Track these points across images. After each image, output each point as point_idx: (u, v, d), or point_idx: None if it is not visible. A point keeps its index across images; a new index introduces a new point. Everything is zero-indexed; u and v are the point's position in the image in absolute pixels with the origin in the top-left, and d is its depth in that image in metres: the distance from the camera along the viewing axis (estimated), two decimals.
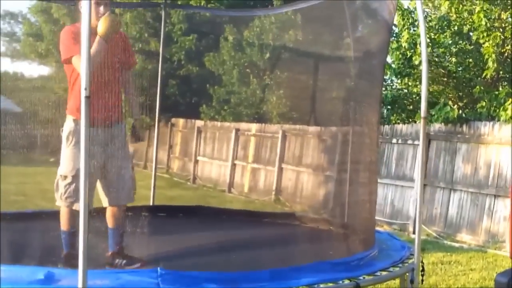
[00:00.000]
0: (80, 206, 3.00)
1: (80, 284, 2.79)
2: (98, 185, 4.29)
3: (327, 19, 7.74)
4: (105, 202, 4.31)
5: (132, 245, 4.33)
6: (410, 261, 4.39)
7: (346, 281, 3.61)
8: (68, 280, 3.00)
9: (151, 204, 6.71)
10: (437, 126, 10.17)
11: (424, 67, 4.22)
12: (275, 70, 14.49)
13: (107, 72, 4.14)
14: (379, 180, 10.97)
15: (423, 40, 4.31)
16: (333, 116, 8.67)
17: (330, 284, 3.53)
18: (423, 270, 4.60)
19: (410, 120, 11.59)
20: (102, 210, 4.59)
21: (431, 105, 10.08)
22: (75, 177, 4.02)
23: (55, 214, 5.28)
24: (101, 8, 4.16)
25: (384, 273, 4.04)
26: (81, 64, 3.03)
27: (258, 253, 4.65)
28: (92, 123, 3.98)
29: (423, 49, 4.29)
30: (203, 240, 4.98)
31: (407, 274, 4.28)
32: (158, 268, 3.20)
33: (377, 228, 9.53)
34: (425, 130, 4.20)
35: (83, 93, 2.98)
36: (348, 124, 5.83)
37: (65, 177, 4.16)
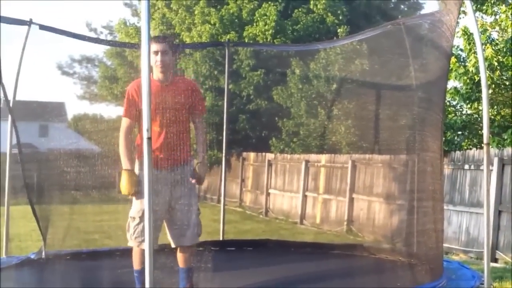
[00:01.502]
0: (145, 246, 3.18)
1: None
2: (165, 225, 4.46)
3: (389, 48, 7.74)
4: (172, 242, 4.47)
5: (200, 280, 4.43)
6: None
7: None
8: None
9: (220, 238, 6.81)
10: (510, 150, 9.88)
11: (484, 93, 4.18)
12: (342, 100, 14.50)
13: (173, 117, 4.33)
14: (453, 208, 10.74)
15: (481, 64, 4.27)
16: (398, 145, 8.59)
17: None
18: None
19: (483, 145, 11.30)
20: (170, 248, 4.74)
21: (503, 128, 9.83)
22: (142, 217, 4.19)
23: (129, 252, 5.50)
24: (158, 57, 4.31)
25: None
26: (143, 107, 3.20)
27: (326, 286, 4.65)
28: (157, 165, 4.19)
29: (482, 74, 4.25)
30: (271, 274, 5.02)
31: None
32: None
33: (453, 257, 9.33)
34: (489, 156, 4.14)
35: (145, 134, 3.14)
36: (412, 152, 5.78)
37: (134, 218, 4.38)
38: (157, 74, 4.38)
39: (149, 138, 3.15)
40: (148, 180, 3.16)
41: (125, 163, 4.34)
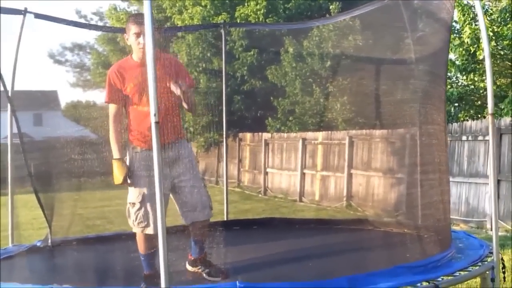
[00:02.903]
0: (159, 230, 3.15)
1: None
2: (175, 204, 4.39)
3: (385, 23, 7.71)
4: (184, 221, 4.41)
5: (211, 257, 4.45)
6: (490, 259, 4.31)
7: (425, 284, 3.59)
8: None
9: (225, 219, 6.83)
10: (507, 120, 9.93)
11: (487, 63, 4.18)
12: (337, 77, 14.48)
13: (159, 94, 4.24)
14: (452, 179, 10.79)
15: (484, 35, 4.27)
16: (399, 119, 8.60)
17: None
18: (504, 267, 4.52)
19: (479, 115, 11.36)
20: (177, 228, 4.75)
21: (499, 99, 9.87)
22: (143, 202, 4.20)
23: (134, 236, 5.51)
24: (140, 39, 4.18)
25: (463, 273, 3.99)
26: (150, 93, 3.14)
27: (334, 261, 4.68)
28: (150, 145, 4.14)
29: (485, 44, 4.25)
30: (277, 251, 5.04)
31: (487, 272, 4.21)
32: (237, 282, 3.26)
33: (453, 228, 9.39)
34: (494, 127, 4.16)
35: (153, 119, 3.11)
36: (414, 125, 5.79)
37: (133, 204, 4.25)
38: (138, 55, 4.29)
39: (157, 123, 3.10)
40: (158, 164, 3.13)
41: (115, 152, 4.26)
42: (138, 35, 4.19)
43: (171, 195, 4.33)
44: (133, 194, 4.28)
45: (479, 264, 4.20)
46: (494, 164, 4.29)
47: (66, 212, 6.58)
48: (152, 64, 3.08)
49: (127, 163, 4.31)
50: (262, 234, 6.02)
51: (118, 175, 4.22)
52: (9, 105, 5.62)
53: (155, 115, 3.10)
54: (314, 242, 5.47)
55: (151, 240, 4.18)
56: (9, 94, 5.59)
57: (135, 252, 4.53)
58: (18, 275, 4.42)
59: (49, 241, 5.64)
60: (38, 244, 5.63)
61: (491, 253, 4.36)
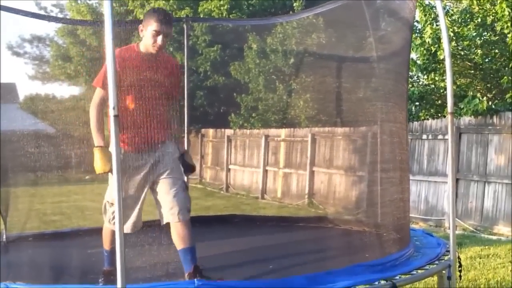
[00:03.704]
0: (116, 229, 3.10)
1: None
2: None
3: (348, 21, 7.74)
4: (162, 221, 4.14)
5: (169, 257, 4.37)
6: (447, 257, 4.35)
7: (382, 282, 3.60)
8: None
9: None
10: (467, 119, 10.09)
11: (447, 63, 4.21)
12: (300, 74, 14.52)
13: (154, 93, 4.08)
14: (411, 177, 10.91)
15: (444, 35, 4.30)
16: (361, 117, 8.66)
17: (367, 286, 3.52)
18: (460, 265, 4.58)
19: (439, 115, 11.51)
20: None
21: (459, 98, 10.01)
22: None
23: (92, 232, 5.41)
24: (159, 39, 4.02)
25: (420, 271, 4.01)
26: (108, 82, 3.03)
27: (293, 259, 4.66)
28: (135, 143, 4.01)
29: (445, 44, 4.28)
30: (237, 248, 5.01)
31: (444, 271, 4.25)
32: (195, 280, 3.23)
33: (412, 226, 9.51)
34: (453, 126, 4.19)
35: (111, 112, 2.99)
36: (376, 123, 5.82)
37: (112, 203, 4.04)
38: (146, 49, 4.08)
39: (116, 116, 3.01)
40: (116, 161, 3.07)
41: (97, 140, 4.03)
42: (157, 33, 4.00)
43: (152, 195, 4.16)
44: (112, 194, 4.05)
45: (436, 262, 4.24)
46: (453, 163, 4.33)
47: (22, 207, 6.44)
48: (111, 57, 2.99)
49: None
50: (222, 231, 5.97)
51: (102, 163, 3.92)
52: None
53: (114, 108, 3.00)
54: (274, 240, 5.47)
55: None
56: None
57: (92, 249, 4.43)
58: None
59: (4, 236, 5.50)
60: None
61: (448, 251, 4.40)
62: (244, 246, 5.10)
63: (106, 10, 3.01)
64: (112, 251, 4.03)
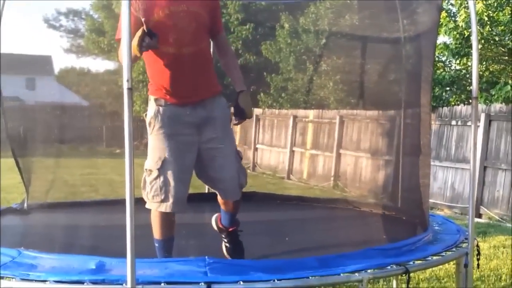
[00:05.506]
0: (127, 214, 2.71)
1: (128, 274, 2.80)
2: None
3: (378, 2, 7.62)
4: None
5: (184, 233, 4.37)
6: (464, 245, 4.27)
7: (394, 267, 3.55)
8: (118, 270, 3.03)
9: (206, 191, 6.78)
10: (497, 106, 9.88)
11: (474, 46, 4.09)
12: (331, 56, 14.39)
13: (192, 36, 3.44)
14: (439, 163, 10.78)
15: (473, 16, 4.18)
16: (388, 99, 8.56)
17: (378, 270, 3.47)
18: (478, 254, 4.49)
19: (470, 101, 11.31)
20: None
21: (491, 84, 9.82)
22: (162, 170, 3.38)
23: (114, 203, 5.43)
24: None
25: (435, 257, 3.94)
26: (122, 55, 2.74)
27: (307, 240, 4.63)
28: (177, 100, 3.45)
29: (473, 27, 4.16)
30: (252, 227, 4.98)
31: (462, 258, 4.18)
32: (206, 257, 3.21)
33: (437, 212, 9.40)
34: (477, 111, 4.09)
35: (125, 85, 2.73)
36: (402, 106, 5.72)
37: (150, 171, 3.41)
38: None
39: (130, 89, 2.74)
40: (129, 132, 2.72)
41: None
42: None
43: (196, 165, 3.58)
44: (152, 159, 3.43)
45: (454, 249, 4.16)
46: (475, 148, 4.23)
47: (50, 177, 6.54)
48: (127, 23, 2.78)
49: (148, 119, 3.49)
50: (242, 208, 5.96)
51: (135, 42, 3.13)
52: None
53: (128, 81, 2.81)
54: (290, 220, 5.44)
55: (169, 220, 3.47)
56: None
57: (110, 222, 4.35)
58: None
59: (25, 204, 5.57)
60: (14, 206, 5.56)
61: (467, 239, 4.32)
62: (260, 225, 5.08)
63: None
64: (164, 241, 3.50)
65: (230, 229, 3.87)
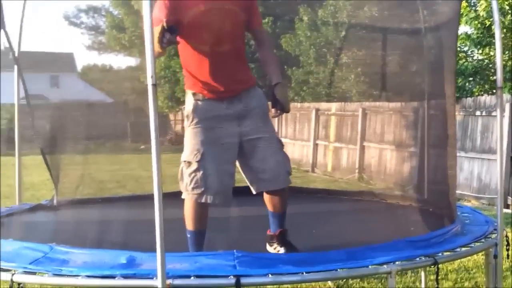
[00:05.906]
0: (156, 212, 2.76)
1: (159, 268, 2.84)
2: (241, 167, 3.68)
3: None
4: (252, 189, 3.70)
5: (212, 226, 4.39)
6: (494, 236, 4.25)
7: (423, 258, 3.54)
8: (149, 264, 3.06)
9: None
10: None
11: (497, 35, 4.06)
12: (351, 48, 14.33)
13: (229, 30, 3.53)
14: (464, 154, 10.69)
15: (494, 5, 4.14)
16: (411, 91, 8.50)
17: (406, 262, 3.47)
18: (508, 244, 4.46)
19: (494, 91, 11.17)
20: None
21: None
22: (201, 162, 3.41)
23: (142, 198, 5.47)
24: None
25: (464, 249, 3.93)
26: (146, 51, 2.72)
27: (335, 232, 4.64)
28: (215, 95, 3.51)
29: (495, 16, 4.12)
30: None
31: (491, 249, 4.15)
32: (235, 251, 3.23)
33: (464, 203, 9.34)
34: (502, 101, 4.06)
35: (150, 81, 2.72)
36: (425, 98, 5.69)
37: (189, 163, 3.44)
38: None
39: (154, 85, 2.70)
40: (155, 129, 2.70)
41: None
42: None
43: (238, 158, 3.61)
44: (190, 151, 3.46)
45: (482, 240, 4.14)
46: (502, 138, 4.20)
47: (77, 174, 6.60)
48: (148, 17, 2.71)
49: (186, 112, 3.56)
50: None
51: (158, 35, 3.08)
52: (16, 66, 5.56)
53: (152, 77, 2.70)
54: (317, 212, 5.44)
55: (204, 213, 3.52)
56: (16, 55, 5.52)
57: (140, 217, 4.37)
58: (17, 232, 4.42)
59: (55, 200, 5.65)
60: (44, 203, 5.65)
61: (496, 230, 4.29)
62: (288, 218, 5.09)
63: None
64: (196, 233, 3.54)
65: (277, 233, 3.77)
